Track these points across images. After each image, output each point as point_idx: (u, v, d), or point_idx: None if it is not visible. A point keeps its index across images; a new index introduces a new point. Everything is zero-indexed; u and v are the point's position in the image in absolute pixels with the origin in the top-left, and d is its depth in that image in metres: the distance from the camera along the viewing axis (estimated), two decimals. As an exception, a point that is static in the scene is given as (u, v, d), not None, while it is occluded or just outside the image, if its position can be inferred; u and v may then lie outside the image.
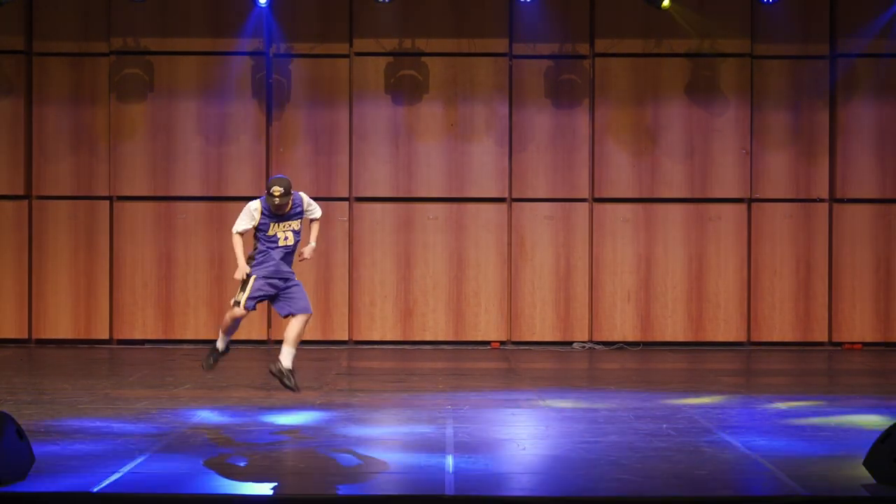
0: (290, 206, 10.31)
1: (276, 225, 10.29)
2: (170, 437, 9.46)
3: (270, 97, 16.58)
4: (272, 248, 10.30)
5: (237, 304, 10.39)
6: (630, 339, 16.62)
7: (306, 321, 10.43)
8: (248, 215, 10.33)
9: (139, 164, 16.53)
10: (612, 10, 16.54)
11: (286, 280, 10.37)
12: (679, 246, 16.62)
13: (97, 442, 9.25)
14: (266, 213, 10.30)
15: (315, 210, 10.62)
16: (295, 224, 10.37)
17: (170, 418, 10.41)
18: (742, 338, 16.63)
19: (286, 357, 10.36)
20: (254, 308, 10.48)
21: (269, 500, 7.58)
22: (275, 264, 10.29)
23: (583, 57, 16.63)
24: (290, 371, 10.36)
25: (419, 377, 13.75)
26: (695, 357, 15.87)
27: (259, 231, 10.35)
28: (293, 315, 10.39)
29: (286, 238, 10.32)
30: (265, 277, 10.30)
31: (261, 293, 10.34)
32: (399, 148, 16.60)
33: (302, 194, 10.53)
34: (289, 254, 10.40)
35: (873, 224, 16.64)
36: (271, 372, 10.42)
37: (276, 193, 10.20)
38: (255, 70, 16.56)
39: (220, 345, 10.75)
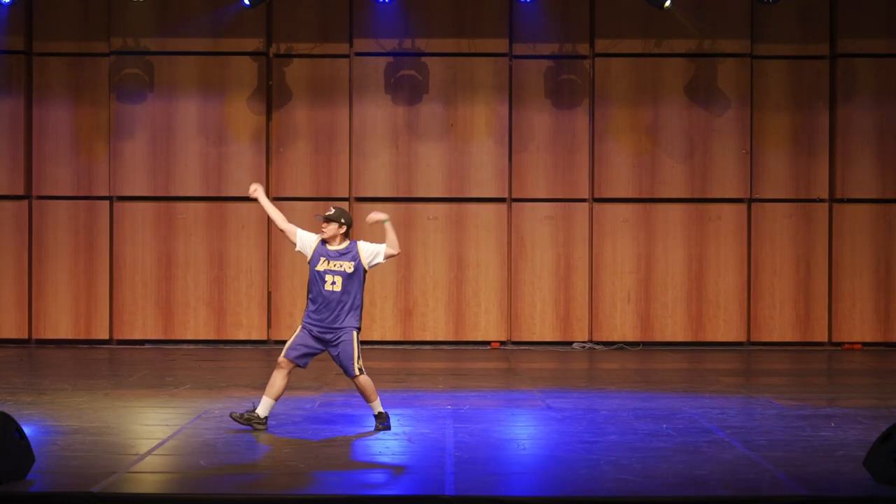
0: (337, 235, 9.82)
1: (327, 261, 9.77)
2: (170, 437, 9.46)
3: (270, 97, 16.59)
4: (319, 294, 9.72)
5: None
6: (630, 339, 16.62)
7: (357, 381, 9.80)
8: (308, 235, 9.92)
9: (139, 164, 16.54)
10: (612, 10, 16.54)
11: (333, 333, 9.74)
12: (679, 246, 16.62)
13: (97, 442, 9.25)
14: (322, 243, 9.82)
15: (381, 251, 9.80)
16: (347, 265, 9.74)
17: (170, 418, 10.41)
18: (742, 338, 16.64)
19: (375, 409, 9.92)
20: (299, 363, 9.82)
21: (269, 500, 7.57)
22: (320, 319, 9.75)
23: (583, 57, 16.63)
24: (381, 415, 9.90)
25: (419, 377, 13.74)
26: (695, 357, 15.87)
27: (311, 267, 9.82)
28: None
29: (333, 283, 9.73)
30: (311, 335, 9.79)
31: (303, 349, 9.79)
32: (399, 148, 16.61)
33: (360, 242, 9.88)
34: (337, 304, 9.73)
35: (873, 224, 16.64)
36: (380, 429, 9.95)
37: (328, 212, 9.88)
38: (256, 70, 16.56)
39: (262, 411, 9.84)
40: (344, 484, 7.97)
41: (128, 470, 8.26)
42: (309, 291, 9.86)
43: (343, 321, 9.77)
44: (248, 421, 9.77)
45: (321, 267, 9.79)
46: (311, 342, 9.81)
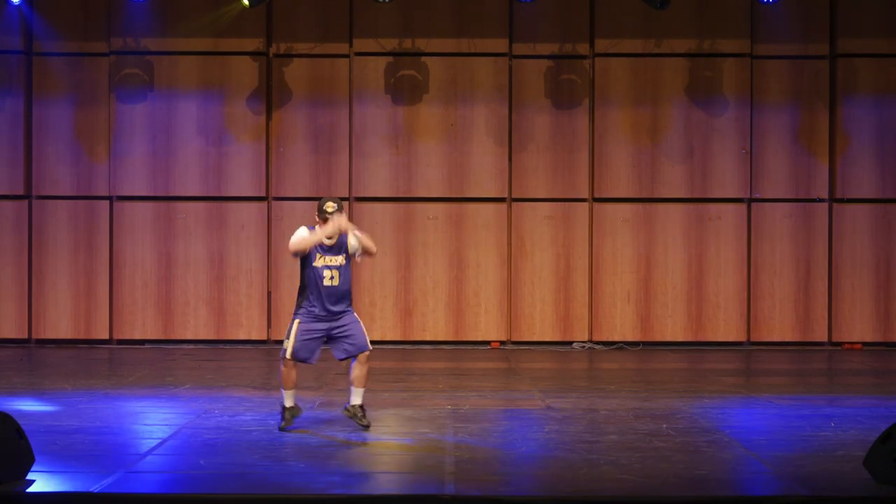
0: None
1: (323, 256, 9.70)
2: (170, 437, 9.46)
3: (270, 97, 16.59)
4: (318, 289, 9.70)
5: (284, 353, 9.76)
6: (630, 339, 16.62)
7: (366, 360, 9.83)
8: (303, 232, 9.73)
9: (139, 164, 16.54)
10: (612, 10, 16.54)
11: (337, 318, 9.77)
12: (679, 246, 16.62)
13: (97, 442, 9.25)
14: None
15: (360, 249, 9.80)
16: (340, 259, 9.72)
17: (170, 418, 10.41)
18: (742, 338, 16.63)
19: (356, 396, 9.87)
20: (306, 360, 9.78)
21: (269, 500, 7.57)
22: (320, 308, 9.73)
23: (583, 57, 16.63)
24: (359, 406, 9.86)
25: (419, 377, 13.74)
26: (695, 357, 15.87)
27: (307, 262, 9.75)
28: (352, 357, 9.84)
29: (332, 277, 9.71)
30: (310, 322, 9.76)
31: (307, 338, 9.73)
32: (399, 148, 16.61)
33: (348, 234, 9.84)
34: (336, 295, 9.74)
35: (873, 224, 16.65)
36: (346, 414, 9.95)
37: (329, 209, 9.72)
38: (256, 70, 16.56)
39: (286, 402, 9.82)
40: (343, 483, 7.97)
41: (128, 470, 8.26)
42: (306, 286, 9.81)
43: (343, 305, 9.80)
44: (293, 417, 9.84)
45: (319, 263, 9.76)
46: (314, 333, 9.75)
